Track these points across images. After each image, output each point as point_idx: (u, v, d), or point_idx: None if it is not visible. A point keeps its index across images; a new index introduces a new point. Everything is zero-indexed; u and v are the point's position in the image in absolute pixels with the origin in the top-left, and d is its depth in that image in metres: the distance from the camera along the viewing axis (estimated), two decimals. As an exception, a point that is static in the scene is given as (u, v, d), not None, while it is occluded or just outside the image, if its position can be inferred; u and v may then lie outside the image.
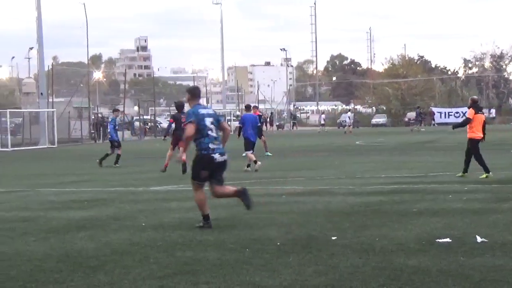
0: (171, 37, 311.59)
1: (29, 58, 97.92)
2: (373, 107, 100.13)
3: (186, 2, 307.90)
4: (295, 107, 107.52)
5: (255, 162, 20.91)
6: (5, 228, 10.69)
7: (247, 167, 21.02)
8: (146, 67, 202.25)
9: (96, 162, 24.61)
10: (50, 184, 18.39)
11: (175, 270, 7.42)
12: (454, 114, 77.64)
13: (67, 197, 14.97)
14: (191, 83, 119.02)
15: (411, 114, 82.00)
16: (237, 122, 29.29)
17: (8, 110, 47.16)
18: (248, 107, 24.33)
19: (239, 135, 22.11)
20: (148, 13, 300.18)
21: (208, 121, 10.10)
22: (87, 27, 63.44)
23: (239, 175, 19.36)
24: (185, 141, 10.43)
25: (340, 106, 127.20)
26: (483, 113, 17.56)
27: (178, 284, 6.82)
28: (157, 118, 71.84)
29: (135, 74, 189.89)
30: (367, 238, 8.94)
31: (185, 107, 18.06)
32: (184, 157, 10.51)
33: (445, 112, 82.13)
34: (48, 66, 57.56)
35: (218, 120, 10.33)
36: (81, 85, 69.08)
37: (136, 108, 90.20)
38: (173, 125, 21.07)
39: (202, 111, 10.23)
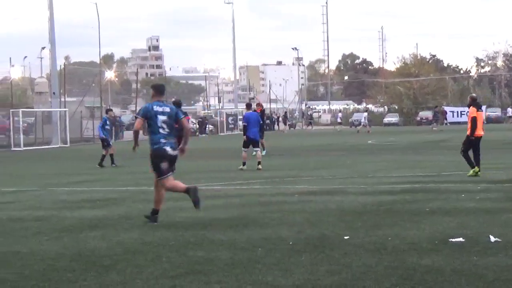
0: (182, 36, 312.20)
1: (41, 58, 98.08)
2: (385, 106, 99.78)
3: (197, 2, 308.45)
4: (307, 106, 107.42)
5: (244, 163, 21.07)
6: (18, 227, 10.74)
7: (258, 164, 21.00)
8: (158, 66, 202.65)
9: (97, 167, 24.57)
10: (62, 184, 18.44)
11: (187, 269, 7.42)
12: (466, 113, 77.15)
13: (79, 196, 15.02)
14: (202, 83, 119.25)
15: (424, 114, 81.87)
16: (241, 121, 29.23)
17: (21, 110, 47.21)
18: (249, 105, 23.94)
19: (244, 134, 21.93)
20: (159, 13, 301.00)
21: (160, 119, 10.38)
22: (99, 27, 63.68)
23: (251, 175, 19.37)
24: (133, 133, 10.86)
25: (352, 106, 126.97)
26: (482, 111, 17.65)
27: (190, 283, 6.82)
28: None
29: (147, 74, 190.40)
30: (380, 237, 8.91)
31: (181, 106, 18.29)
32: (134, 146, 11.09)
33: (457, 111, 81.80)
34: (60, 65, 57.67)
35: (176, 118, 10.58)
36: (93, 84, 69.09)
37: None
38: None
39: (157, 108, 10.45)
